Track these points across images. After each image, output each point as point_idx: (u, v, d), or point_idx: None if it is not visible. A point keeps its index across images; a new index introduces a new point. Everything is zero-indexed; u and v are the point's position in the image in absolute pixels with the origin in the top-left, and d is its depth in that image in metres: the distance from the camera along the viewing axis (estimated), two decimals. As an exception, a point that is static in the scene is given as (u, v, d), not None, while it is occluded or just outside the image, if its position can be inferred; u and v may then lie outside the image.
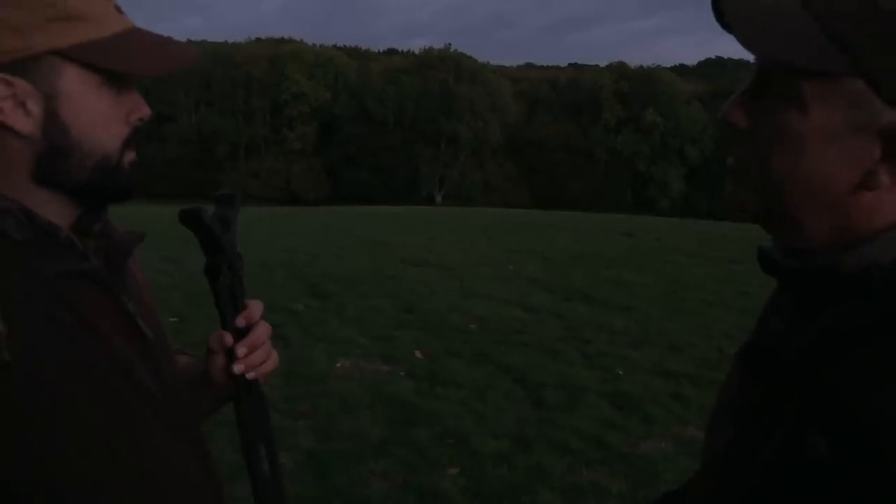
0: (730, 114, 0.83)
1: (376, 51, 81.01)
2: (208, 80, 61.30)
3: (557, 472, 3.88)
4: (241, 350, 1.03)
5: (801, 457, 0.80)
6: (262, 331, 1.08)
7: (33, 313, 0.81)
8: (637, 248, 11.81)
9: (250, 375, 1.04)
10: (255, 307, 1.07)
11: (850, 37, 0.72)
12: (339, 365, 5.39)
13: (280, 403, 4.54)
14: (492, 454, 4.04)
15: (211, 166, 58.90)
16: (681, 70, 70.64)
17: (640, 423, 4.56)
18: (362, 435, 4.23)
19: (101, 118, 0.89)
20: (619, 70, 61.70)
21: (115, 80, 0.89)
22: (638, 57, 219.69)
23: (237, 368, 1.03)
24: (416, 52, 67.15)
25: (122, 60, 0.87)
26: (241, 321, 1.05)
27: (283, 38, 67.11)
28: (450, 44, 64.71)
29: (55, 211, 0.89)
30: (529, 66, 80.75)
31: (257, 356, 1.05)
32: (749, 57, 0.79)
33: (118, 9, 0.91)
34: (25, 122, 0.84)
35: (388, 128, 58.41)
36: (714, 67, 73.36)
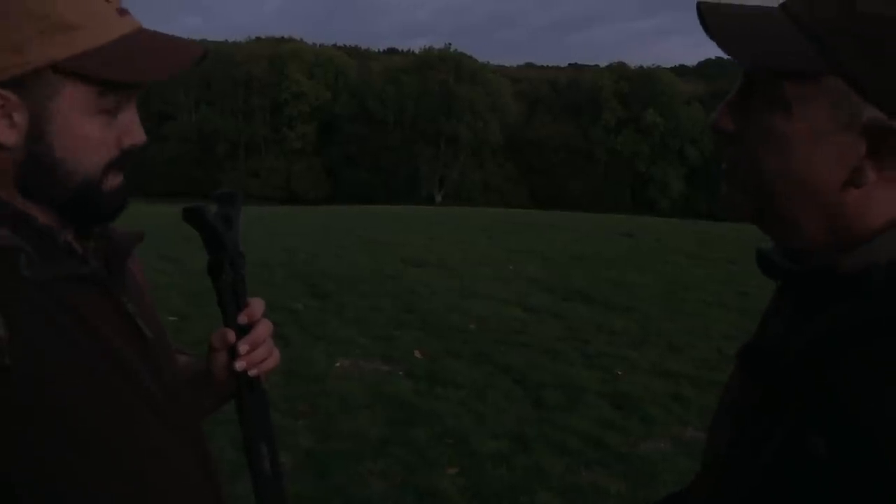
0: (718, 120, 0.85)
1: (376, 50, 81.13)
2: (208, 80, 61.28)
3: (556, 473, 3.88)
4: (242, 347, 1.04)
5: (801, 457, 0.80)
6: (264, 328, 1.08)
7: (33, 317, 0.81)
8: (637, 248, 11.81)
9: (252, 373, 1.04)
10: (257, 305, 1.07)
11: (829, 39, 0.74)
12: (338, 364, 5.40)
13: (280, 403, 4.54)
14: (491, 454, 4.04)
15: (211, 165, 58.90)
16: (681, 70, 70.65)
17: (639, 424, 4.56)
18: (362, 435, 4.23)
19: (86, 140, 0.87)
20: (619, 70, 61.72)
21: (114, 98, 0.87)
22: (638, 57, 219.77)
23: (239, 366, 1.04)
24: (417, 51, 67.30)
25: (120, 69, 0.85)
26: (243, 319, 1.05)
27: (283, 38, 67.13)
28: (450, 43, 64.80)
29: (49, 219, 0.89)
30: (529, 66, 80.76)
31: (259, 353, 1.05)
32: None
33: (122, 11, 0.89)
34: (9, 134, 0.83)
35: (388, 127, 58.41)
36: (714, 68, 73.25)
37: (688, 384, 5.18)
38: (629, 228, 14.40)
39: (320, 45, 66.85)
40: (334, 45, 69.70)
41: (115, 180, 0.91)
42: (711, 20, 0.80)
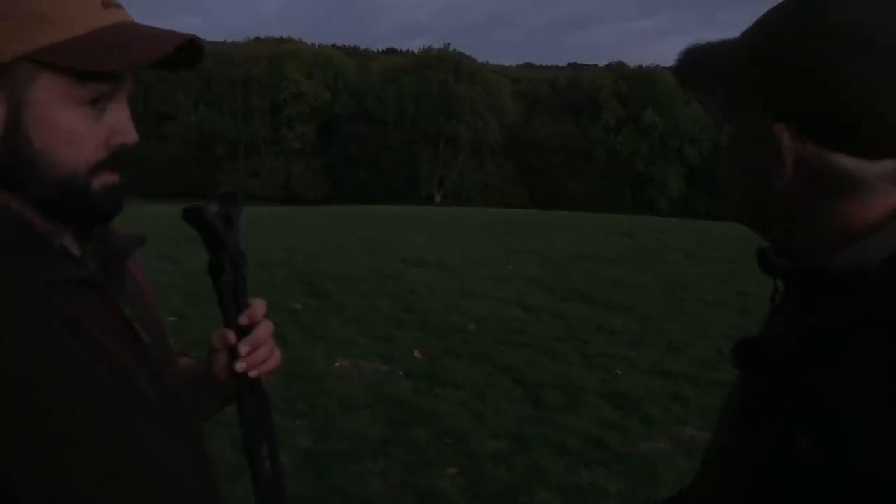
0: (720, 138, 0.96)
1: (375, 50, 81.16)
2: (208, 80, 61.29)
3: (556, 473, 3.88)
4: (243, 348, 1.03)
5: (788, 457, 0.82)
6: (265, 329, 1.07)
7: (29, 321, 0.81)
8: (636, 248, 11.81)
9: (253, 373, 1.04)
10: (258, 305, 1.07)
11: (766, 81, 0.85)
12: (337, 365, 5.40)
13: (279, 403, 4.53)
14: (490, 454, 4.04)
15: (210, 166, 58.92)
16: (680, 70, 70.47)
17: (638, 424, 4.56)
18: (361, 435, 4.23)
19: (67, 135, 0.85)
20: (618, 70, 61.73)
21: (93, 88, 0.85)
22: (637, 57, 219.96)
23: (239, 366, 1.03)
24: (416, 51, 67.28)
25: (92, 57, 0.83)
26: (243, 319, 1.05)
27: (282, 38, 67.11)
28: (449, 43, 64.70)
29: (46, 221, 0.89)
30: (529, 65, 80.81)
31: (260, 354, 1.04)
32: None
33: (108, 4, 0.87)
34: None
35: (387, 127, 58.42)
36: (713, 68, 73.25)
37: (687, 384, 5.18)
38: (629, 228, 14.40)
39: (319, 46, 66.88)
40: (333, 46, 69.75)
41: (106, 180, 0.89)
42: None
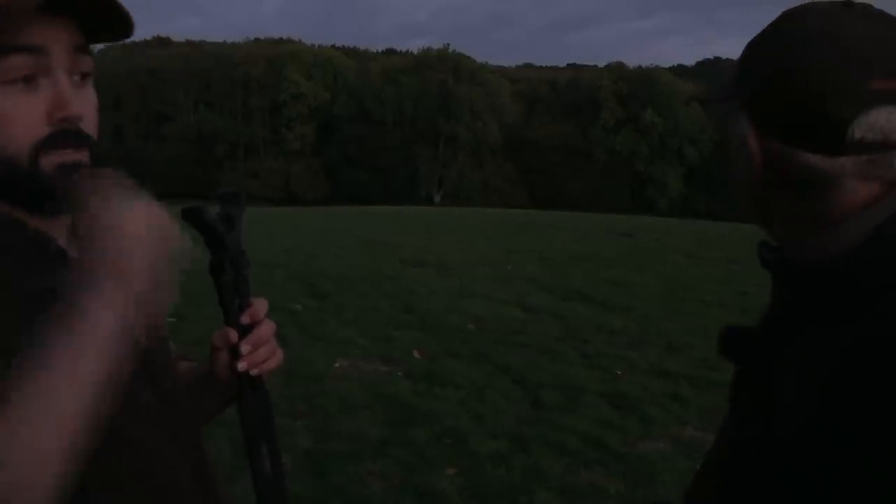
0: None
1: (375, 51, 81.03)
2: (207, 81, 61.34)
3: (555, 473, 3.88)
4: (245, 347, 1.03)
5: (748, 442, 0.90)
6: (267, 328, 1.07)
7: (21, 329, 0.78)
8: (636, 248, 11.82)
9: (254, 372, 1.04)
10: (260, 305, 1.07)
11: (741, 89, 0.93)
12: (337, 365, 5.40)
13: (279, 403, 4.53)
14: (490, 454, 4.04)
15: (210, 166, 58.90)
16: (679, 70, 70.58)
17: (638, 424, 4.56)
18: (361, 435, 4.23)
19: None
20: (617, 70, 61.76)
21: (10, 64, 0.81)
22: (636, 57, 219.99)
23: (241, 366, 1.03)
24: (415, 52, 67.29)
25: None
26: (245, 318, 1.05)
27: (281, 39, 67.20)
28: (448, 44, 64.61)
29: (40, 223, 0.87)
30: (528, 66, 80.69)
31: (261, 353, 1.04)
32: None
33: None
34: None
35: (386, 128, 58.43)
36: (712, 68, 73.35)
37: (687, 384, 5.18)
38: (628, 228, 14.41)
39: (319, 46, 66.92)
40: (333, 46, 69.73)
41: (58, 158, 0.85)
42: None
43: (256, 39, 67.10)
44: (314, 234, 12.32)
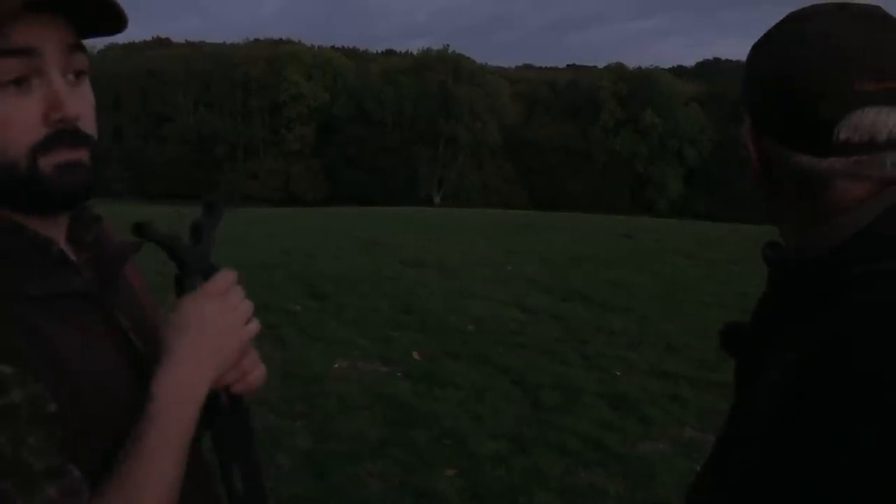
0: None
1: (375, 52, 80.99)
2: (207, 81, 61.36)
3: (555, 473, 3.88)
4: None
5: (729, 440, 0.94)
6: None
7: (27, 338, 0.79)
8: (635, 249, 11.81)
9: (236, 390, 0.98)
10: None
11: (745, 91, 0.97)
12: (336, 365, 5.39)
13: (277, 404, 4.54)
14: (489, 455, 4.04)
15: (210, 167, 58.95)
16: (679, 71, 70.64)
17: (637, 425, 4.56)
18: (360, 435, 4.23)
19: None
20: (617, 71, 61.79)
21: (17, 72, 0.81)
22: (636, 58, 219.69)
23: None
24: (415, 53, 67.30)
25: None
26: None
27: (281, 39, 67.25)
28: (448, 45, 64.82)
29: (40, 226, 0.87)
30: (528, 66, 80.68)
31: (230, 375, 0.96)
32: (743, 57, 0.99)
33: None
34: None
35: (386, 128, 58.45)
36: (712, 69, 73.40)
37: (686, 385, 5.18)
38: (628, 229, 14.40)
39: (319, 47, 66.95)
40: (333, 47, 69.76)
41: (56, 159, 0.84)
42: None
43: (256, 40, 67.15)
44: (314, 235, 12.31)
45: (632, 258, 10.72)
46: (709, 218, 27.75)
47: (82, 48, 0.89)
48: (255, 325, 0.97)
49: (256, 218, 15.95)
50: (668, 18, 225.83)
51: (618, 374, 5.44)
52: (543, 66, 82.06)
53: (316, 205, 37.33)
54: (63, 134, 0.85)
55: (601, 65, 67.13)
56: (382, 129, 58.35)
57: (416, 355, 5.68)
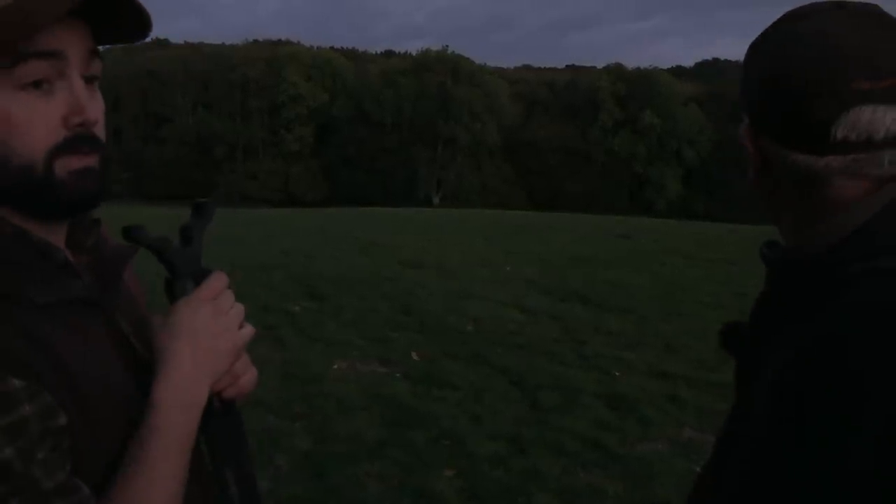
0: None
1: (374, 52, 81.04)
2: (206, 82, 61.35)
3: (553, 474, 3.88)
4: None
5: (730, 439, 0.95)
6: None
7: (32, 346, 0.78)
8: (634, 249, 11.81)
9: (228, 394, 0.98)
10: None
11: (743, 91, 0.98)
12: (335, 366, 5.39)
13: (276, 405, 4.54)
14: (488, 456, 4.05)
15: (209, 168, 58.96)
16: (678, 71, 70.65)
17: (636, 425, 4.56)
18: (359, 436, 4.23)
19: (13, 123, 0.80)
20: (616, 72, 61.78)
21: (29, 68, 0.80)
22: (635, 58, 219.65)
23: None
24: (414, 53, 67.25)
25: (8, 28, 0.77)
26: None
27: (280, 40, 67.31)
28: (447, 45, 64.78)
29: (44, 231, 0.86)
30: (527, 67, 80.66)
31: (223, 379, 0.96)
32: (742, 57, 1.00)
33: None
34: None
35: (385, 129, 58.44)
36: (711, 69, 73.40)
37: (685, 385, 5.18)
38: (626, 230, 14.40)
39: (318, 48, 66.97)
40: (332, 48, 69.79)
41: (72, 163, 0.84)
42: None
43: (255, 41, 67.23)
44: (313, 236, 12.31)
45: (630, 259, 10.73)
46: (708, 218, 27.78)
47: (99, 55, 0.89)
48: (248, 330, 0.97)
49: (255, 219, 15.96)
50: (667, 19, 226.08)
51: (616, 374, 5.44)
52: (542, 66, 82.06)
53: (315, 205, 37.30)
54: (83, 138, 0.85)
55: (600, 65, 67.17)
56: (381, 130, 58.34)
57: (414, 356, 5.68)
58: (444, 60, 59.97)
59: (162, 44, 68.93)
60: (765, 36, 0.95)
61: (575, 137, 58.91)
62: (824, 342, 0.80)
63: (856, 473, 0.73)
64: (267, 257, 9.11)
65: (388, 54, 79.66)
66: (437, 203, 52.06)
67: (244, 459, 0.99)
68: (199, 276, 0.95)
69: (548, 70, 76.92)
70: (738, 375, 1.01)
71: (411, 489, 3.66)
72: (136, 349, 0.94)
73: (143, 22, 0.89)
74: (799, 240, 0.94)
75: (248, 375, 1.00)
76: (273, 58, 60.48)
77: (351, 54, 72.11)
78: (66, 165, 0.84)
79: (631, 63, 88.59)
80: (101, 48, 0.91)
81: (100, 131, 0.88)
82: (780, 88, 0.89)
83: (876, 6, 0.91)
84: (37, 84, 0.82)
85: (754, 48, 0.95)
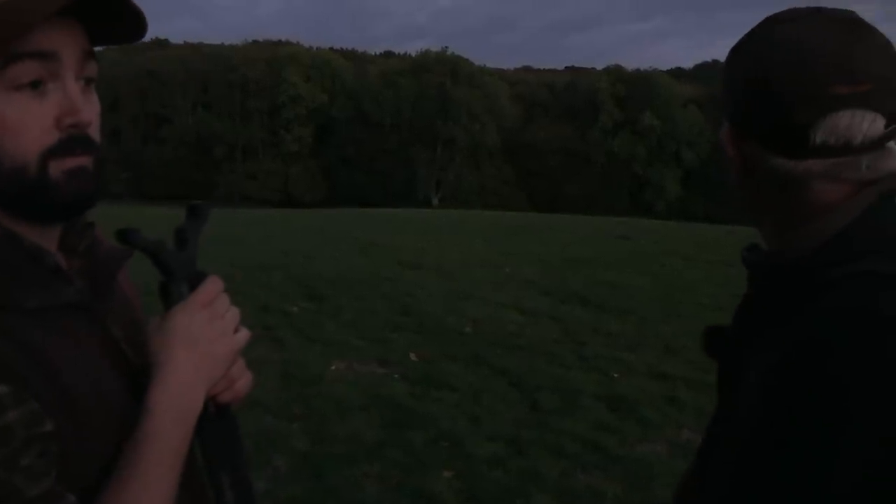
0: None
1: (373, 53, 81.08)
2: (206, 83, 61.35)
3: (552, 476, 3.88)
4: None
5: (714, 440, 0.96)
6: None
7: (22, 351, 0.78)
8: (633, 251, 11.81)
9: (223, 398, 0.97)
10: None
11: (724, 95, 0.99)
12: (333, 367, 5.39)
13: (275, 405, 4.53)
14: (487, 457, 4.04)
15: (208, 168, 58.98)
16: (677, 73, 70.74)
17: (635, 426, 4.56)
18: (357, 437, 4.23)
19: (7, 124, 0.80)
20: (616, 73, 61.82)
21: (22, 69, 0.80)
22: (635, 60, 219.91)
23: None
24: (413, 54, 67.27)
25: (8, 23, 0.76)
26: None
27: (280, 41, 67.32)
28: (447, 46, 64.73)
29: (35, 234, 0.86)
30: (527, 68, 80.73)
31: (219, 384, 0.96)
32: None
33: None
34: None
35: (384, 130, 58.47)
36: (710, 71, 73.40)
37: (684, 386, 5.18)
38: (626, 231, 14.41)
39: (317, 48, 66.95)
40: (331, 48, 69.80)
41: (66, 164, 0.83)
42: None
43: (255, 41, 67.19)
44: (312, 236, 12.31)
45: (630, 260, 10.72)
46: (707, 220, 27.75)
47: (94, 56, 0.88)
48: (243, 334, 0.96)
49: (255, 219, 15.95)
50: (667, 20, 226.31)
51: (616, 375, 5.44)
52: (542, 67, 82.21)
53: (314, 206, 37.33)
54: (76, 140, 0.84)
55: (600, 66, 67.21)
56: (381, 131, 58.37)
57: (413, 357, 5.68)
58: (444, 61, 60.00)
59: (161, 44, 68.93)
60: (744, 41, 0.95)
61: (574, 139, 58.94)
62: (806, 347, 0.81)
63: (837, 477, 0.74)
64: (266, 258, 9.11)
65: (388, 55, 79.69)
66: (437, 204, 52.06)
67: (240, 463, 0.99)
68: (195, 280, 0.94)
69: (547, 71, 77.03)
70: (721, 378, 1.02)
71: (410, 490, 3.66)
72: (128, 355, 0.93)
73: (138, 22, 0.88)
74: (780, 243, 0.94)
75: (244, 380, 1.00)
76: (273, 58, 60.50)
77: (350, 55, 72.16)
78: (62, 166, 0.83)
79: (631, 64, 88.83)
80: (96, 49, 0.90)
81: (94, 133, 0.88)
82: (760, 93, 0.90)
83: (853, 12, 0.91)
84: (30, 85, 0.81)
85: (735, 52, 0.96)
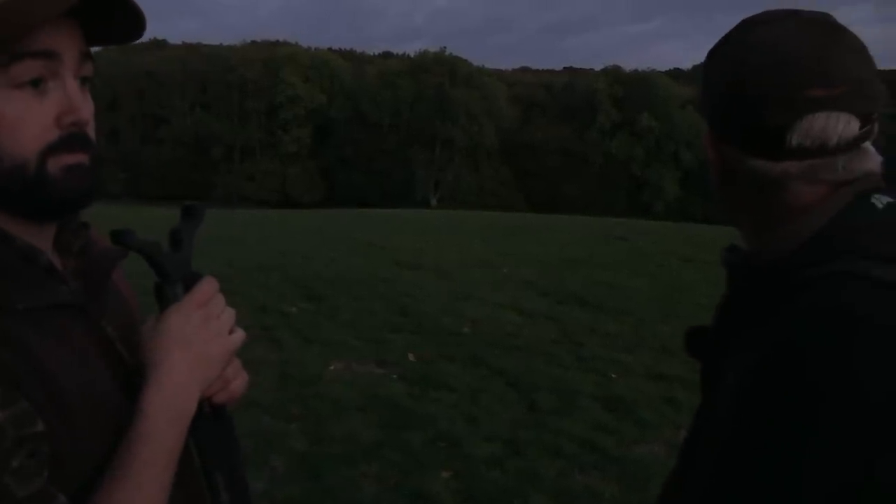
0: None
1: (371, 54, 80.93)
2: (204, 83, 61.30)
3: (550, 476, 3.88)
4: None
5: (693, 440, 0.98)
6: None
7: (15, 351, 0.78)
8: (631, 251, 11.82)
9: (217, 399, 0.97)
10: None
11: (703, 97, 1.01)
12: (331, 367, 5.39)
13: (272, 406, 4.53)
14: (484, 457, 4.04)
15: (206, 168, 58.94)
16: (675, 74, 70.63)
17: (633, 427, 4.56)
18: (355, 437, 4.23)
19: (7, 122, 0.80)
20: (613, 74, 61.85)
21: (23, 68, 0.80)
22: (633, 61, 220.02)
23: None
24: (412, 55, 67.23)
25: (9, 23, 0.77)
26: None
27: (278, 41, 67.21)
28: (445, 47, 64.78)
29: (29, 233, 0.86)
30: (525, 69, 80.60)
31: (214, 384, 0.96)
32: None
33: None
34: None
35: (383, 130, 58.46)
36: (709, 72, 73.33)
37: (681, 387, 5.18)
38: (624, 232, 14.41)
39: (315, 49, 66.92)
40: (329, 49, 69.75)
41: (64, 161, 0.84)
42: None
43: (253, 42, 67.16)
44: (310, 237, 12.31)
45: (628, 261, 10.73)
46: (705, 221, 27.69)
47: (91, 56, 0.89)
48: (239, 335, 0.96)
49: (253, 219, 15.94)
50: (665, 21, 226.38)
51: (613, 376, 5.44)
52: (540, 68, 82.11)
53: (312, 206, 37.31)
54: (75, 137, 0.85)
55: (598, 67, 67.14)
56: (379, 131, 58.36)
57: (411, 357, 5.68)
58: (442, 62, 60.00)
59: (160, 44, 68.85)
60: (721, 43, 0.97)
61: (573, 139, 58.94)
62: (782, 349, 0.81)
63: (807, 481, 0.76)
64: (264, 258, 9.11)
65: (386, 55, 79.61)
66: (435, 204, 52.04)
67: (236, 464, 0.99)
68: (189, 281, 0.94)
69: (545, 72, 76.91)
70: (703, 378, 1.05)
71: (407, 490, 3.66)
72: (122, 355, 0.93)
73: (137, 22, 0.89)
74: (759, 244, 0.95)
75: (239, 380, 1.00)
76: (271, 59, 60.47)
77: (349, 55, 72.12)
78: (60, 163, 0.84)
79: (628, 65, 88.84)
80: (93, 49, 0.90)
81: (91, 132, 0.88)
82: (737, 96, 0.91)
83: (829, 15, 0.92)
84: (31, 83, 0.82)
85: (712, 55, 0.98)
